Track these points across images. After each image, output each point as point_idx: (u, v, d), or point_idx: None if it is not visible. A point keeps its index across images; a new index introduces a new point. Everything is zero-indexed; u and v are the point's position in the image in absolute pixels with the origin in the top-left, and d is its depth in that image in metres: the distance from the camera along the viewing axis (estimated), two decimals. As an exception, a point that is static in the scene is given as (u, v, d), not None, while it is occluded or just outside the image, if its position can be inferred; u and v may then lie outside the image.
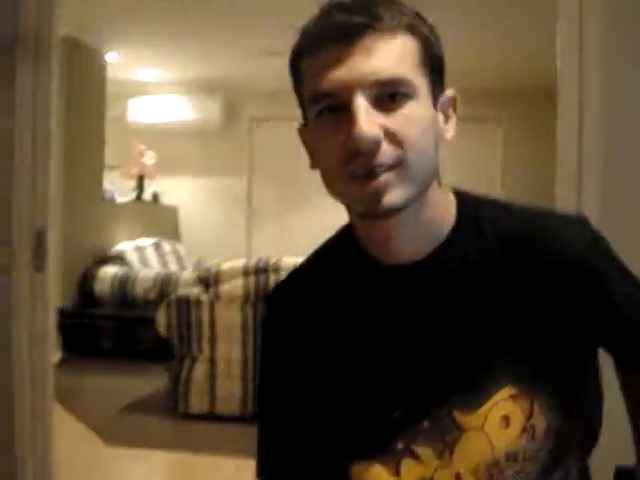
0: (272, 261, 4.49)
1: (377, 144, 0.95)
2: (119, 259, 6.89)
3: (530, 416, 1.05)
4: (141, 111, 8.34)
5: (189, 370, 4.48)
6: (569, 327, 1.06)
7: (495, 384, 1.04)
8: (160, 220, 8.48)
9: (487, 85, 6.95)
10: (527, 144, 7.81)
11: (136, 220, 7.87)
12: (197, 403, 4.49)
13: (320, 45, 0.98)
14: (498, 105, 7.71)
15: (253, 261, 4.56)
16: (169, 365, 4.67)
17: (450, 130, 1.08)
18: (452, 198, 1.11)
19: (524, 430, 1.04)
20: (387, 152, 0.96)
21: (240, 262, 4.58)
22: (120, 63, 7.25)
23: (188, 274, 6.60)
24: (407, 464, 1.07)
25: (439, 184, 1.09)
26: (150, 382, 5.49)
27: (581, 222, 1.12)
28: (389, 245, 1.06)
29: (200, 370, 4.47)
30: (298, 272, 1.24)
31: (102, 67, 6.96)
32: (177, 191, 8.61)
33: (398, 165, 0.96)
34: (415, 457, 1.07)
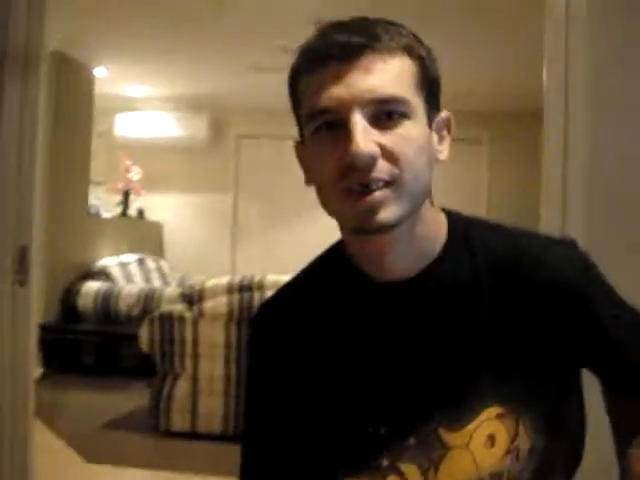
0: (256, 279, 4.48)
1: (373, 160, 0.96)
2: (103, 274, 6.86)
3: (515, 436, 1.05)
4: (128, 126, 8.33)
5: (171, 387, 4.45)
6: (556, 349, 1.07)
7: (481, 403, 1.05)
8: (145, 236, 8.45)
9: (473, 107, 6.99)
10: (513, 166, 7.85)
11: (121, 236, 7.84)
12: (179, 421, 4.46)
13: (319, 63, 0.99)
14: (484, 127, 7.75)
15: (237, 279, 4.55)
16: (151, 382, 4.64)
17: (444, 151, 1.09)
18: (443, 217, 1.13)
19: (508, 451, 1.05)
20: (383, 169, 0.97)
21: (224, 279, 4.57)
22: (108, 78, 7.25)
23: (172, 290, 6.58)
24: None
25: (431, 203, 1.10)
26: (132, 399, 5.46)
27: (571, 246, 1.13)
28: (382, 261, 1.06)
29: (182, 387, 4.45)
30: (287, 288, 1.23)
31: (90, 82, 6.96)
32: (162, 207, 8.60)
33: (393, 183, 0.97)
34: (400, 475, 1.07)
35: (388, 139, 0.97)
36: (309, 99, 1.01)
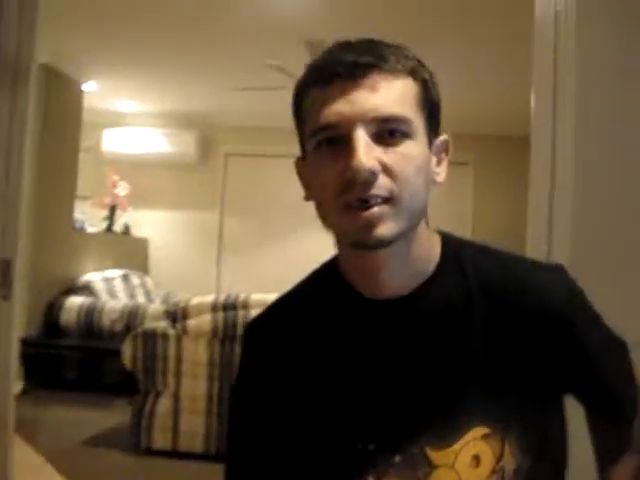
0: (241, 297, 4.47)
1: (374, 176, 0.97)
2: (86, 289, 6.82)
3: (500, 457, 1.06)
4: (116, 141, 8.31)
5: (153, 405, 4.42)
6: (543, 373, 1.08)
7: (467, 423, 1.05)
8: (130, 252, 8.42)
9: (461, 130, 7.03)
10: (498, 188, 7.90)
11: (106, 251, 7.81)
12: (160, 439, 4.43)
13: (326, 81, 1.01)
14: (471, 149, 7.79)
15: (222, 297, 4.54)
16: (133, 399, 4.61)
17: (441, 173, 1.12)
18: (437, 238, 1.15)
19: (494, 471, 1.05)
20: (382, 185, 0.98)
21: (209, 297, 4.56)
22: (97, 93, 7.25)
23: (156, 307, 6.56)
24: None
25: (427, 224, 1.11)
26: (113, 415, 5.42)
27: (559, 272, 1.15)
28: (376, 278, 1.07)
29: (164, 405, 4.42)
30: (279, 303, 1.24)
31: (79, 96, 6.95)
32: (148, 223, 8.58)
33: (392, 200, 0.99)
34: None
35: (389, 157, 0.99)
36: (313, 115, 1.03)
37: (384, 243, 1.00)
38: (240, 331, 4.29)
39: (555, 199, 2.19)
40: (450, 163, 1.13)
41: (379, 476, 1.07)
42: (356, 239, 1.01)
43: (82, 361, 6.59)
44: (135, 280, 7.80)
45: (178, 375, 4.41)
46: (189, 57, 6.04)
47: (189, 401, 4.40)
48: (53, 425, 5.22)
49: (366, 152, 0.97)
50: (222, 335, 4.36)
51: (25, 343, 5.99)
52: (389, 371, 1.09)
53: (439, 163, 1.11)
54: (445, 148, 1.13)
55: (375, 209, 0.98)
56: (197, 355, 4.39)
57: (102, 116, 8.03)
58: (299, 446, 1.13)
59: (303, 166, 1.12)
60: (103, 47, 5.92)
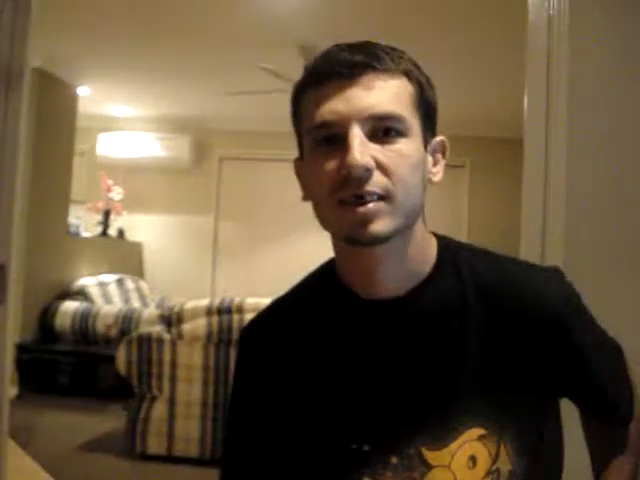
0: (236, 302, 4.46)
1: (368, 172, 0.98)
2: (81, 294, 6.80)
3: (496, 458, 1.06)
4: (110, 146, 8.31)
5: (148, 409, 4.41)
6: (538, 375, 1.08)
7: (464, 424, 1.05)
8: (125, 256, 8.41)
9: (456, 133, 7.04)
10: (493, 190, 7.91)
11: (100, 255, 7.79)
12: (155, 443, 4.42)
13: (322, 80, 1.03)
14: (466, 152, 7.81)
15: (217, 301, 4.53)
16: (128, 404, 4.60)
17: (438, 173, 1.13)
18: (434, 240, 1.15)
19: (489, 472, 1.05)
20: (377, 182, 0.99)
21: (204, 302, 4.55)
22: (91, 97, 7.24)
23: (151, 311, 6.55)
24: None
25: (424, 225, 1.12)
26: (108, 420, 5.41)
27: (556, 275, 1.15)
28: (373, 278, 1.08)
29: (159, 410, 4.41)
30: (276, 305, 1.25)
31: (73, 101, 6.94)
32: (143, 227, 8.57)
33: (387, 197, 1.00)
34: None
35: (384, 154, 1.00)
36: (310, 113, 1.04)
37: (379, 239, 1.01)
38: (235, 335, 4.29)
39: (548, 201, 2.20)
40: (446, 166, 1.14)
41: (375, 477, 1.07)
42: (351, 234, 1.02)
43: (77, 366, 6.56)
44: (130, 284, 7.79)
45: (173, 380, 4.40)
46: (183, 61, 6.04)
47: (184, 406, 4.39)
48: (48, 430, 5.20)
49: (361, 149, 0.98)
50: (217, 339, 4.36)
51: (20, 348, 5.99)
52: (384, 372, 1.09)
53: (435, 163, 1.12)
54: (442, 149, 1.14)
55: (370, 205, 0.99)
56: (192, 360, 4.39)
57: (95, 120, 8.02)
58: (295, 446, 1.14)
59: (301, 166, 1.12)
60: (97, 51, 5.91)
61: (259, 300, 4.25)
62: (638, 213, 2.18)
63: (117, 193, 7.90)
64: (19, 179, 2.50)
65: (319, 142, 1.04)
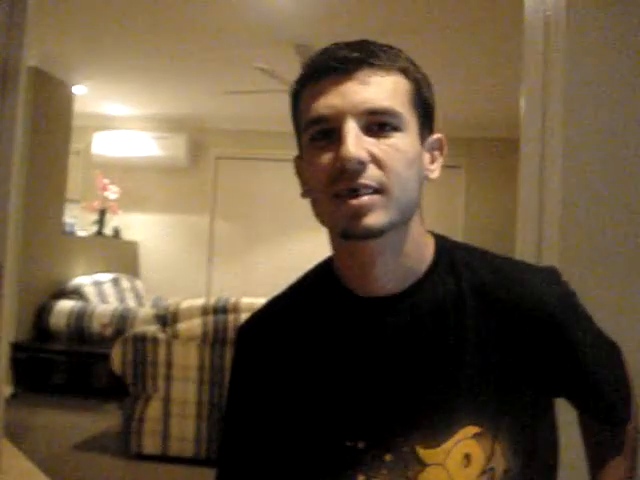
0: (231, 301, 4.45)
1: (363, 165, 0.99)
2: (76, 293, 6.78)
3: (491, 456, 1.06)
4: (106, 145, 8.29)
5: (143, 409, 4.40)
6: (534, 373, 1.08)
7: (458, 422, 1.06)
8: (120, 255, 8.40)
9: (452, 134, 7.05)
10: (489, 191, 7.92)
11: (96, 254, 7.78)
12: (150, 443, 4.41)
13: (319, 76, 1.04)
14: (462, 153, 7.81)
15: (212, 300, 4.52)
16: (123, 403, 4.59)
17: (435, 171, 1.13)
18: (431, 238, 1.15)
19: (484, 471, 1.06)
20: (371, 176, 1.00)
21: (199, 301, 4.54)
22: (87, 96, 7.23)
23: (146, 311, 6.54)
24: None
25: (422, 223, 1.12)
26: (103, 420, 5.40)
27: (552, 274, 1.16)
28: (369, 274, 1.08)
29: (154, 409, 4.40)
30: (273, 302, 1.25)
31: (69, 100, 6.92)
32: (139, 227, 8.56)
33: (381, 191, 1.00)
34: None
35: (379, 148, 1.01)
36: (307, 108, 1.05)
37: (373, 232, 1.01)
38: (231, 335, 4.29)
39: (544, 201, 2.20)
40: (442, 166, 1.14)
41: (369, 474, 1.07)
42: (345, 228, 1.02)
43: (72, 365, 6.56)
44: (125, 284, 7.78)
45: (168, 379, 4.39)
46: (179, 60, 6.04)
47: (179, 405, 4.38)
48: (43, 429, 5.20)
49: (355, 142, 0.98)
50: (212, 339, 4.35)
51: (15, 347, 5.98)
52: (380, 369, 1.09)
53: (433, 161, 1.13)
54: (439, 146, 1.14)
55: (365, 198, 0.99)
56: (187, 359, 4.38)
57: (91, 119, 8.01)
58: (290, 443, 1.14)
59: (300, 164, 1.13)
60: (93, 50, 5.91)
61: (255, 300, 4.25)
62: (634, 214, 2.18)
63: (113, 192, 7.88)
64: (14, 178, 2.50)
65: (315, 137, 1.04)
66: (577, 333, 1.11)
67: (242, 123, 8.15)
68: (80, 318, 6.47)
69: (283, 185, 7.45)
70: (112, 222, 8.10)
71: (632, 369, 1.22)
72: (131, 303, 7.56)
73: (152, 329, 4.52)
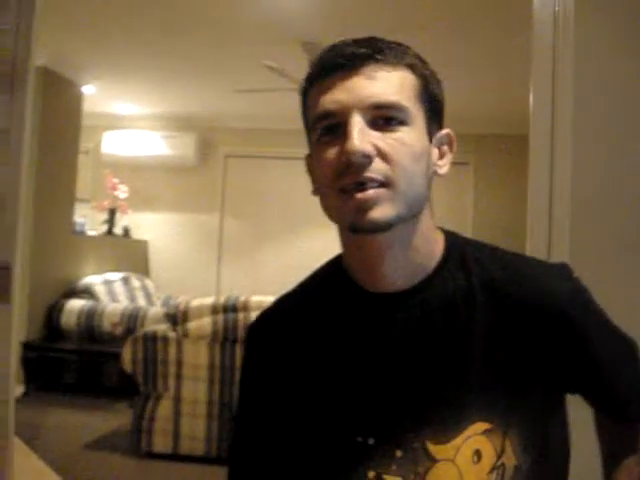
0: (241, 299, 4.46)
1: (368, 159, 0.99)
2: (87, 292, 6.80)
3: (501, 453, 1.06)
4: (115, 144, 8.31)
5: (153, 408, 4.41)
6: (545, 370, 1.08)
7: (468, 418, 1.05)
8: (130, 254, 8.42)
9: (461, 130, 7.03)
10: (498, 187, 7.90)
11: (106, 254, 7.80)
12: (160, 442, 4.42)
13: (326, 72, 1.04)
14: (471, 149, 7.79)
15: (222, 299, 4.53)
16: (134, 402, 4.60)
17: (444, 166, 1.13)
18: (441, 235, 1.16)
19: (494, 467, 1.05)
20: (377, 169, 1.00)
21: (209, 300, 4.54)
22: (96, 96, 7.25)
23: (156, 310, 6.55)
24: None
25: (432, 219, 1.13)
26: (114, 419, 5.42)
27: (564, 271, 1.15)
28: (378, 270, 1.08)
29: (165, 408, 4.41)
30: (284, 299, 1.25)
31: (78, 99, 6.94)
32: (148, 226, 8.58)
33: (388, 184, 1.00)
34: None
35: (385, 142, 1.01)
36: (315, 105, 1.06)
37: (379, 226, 1.01)
38: (241, 333, 4.29)
39: (554, 197, 2.19)
40: (451, 163, 1.13)
41: (379, 471, 1.07)
42: (352, 221, 1.02)
43: (83, 364, 6.58)
44: (135, 283, 7.79)
45: (179, 378, 4.40)
46: (188, 59, 6.04)
47: (190, 404, 4.39)
48: (54, 429, 5.22)
49: (360, 136, 0.99)
50: (222, 337, 4.36)
51: (26, 347, 6.00)
52: (391, 365, 1.09)
53: (442, 156, 1.13)
54: (449, 142, 1.14)
55: (370, 191, 1.00)
56: (197, 358, 4.39)
57: (101, 119, 8.03)
58: (301, 439, 1.14)
59: (311, 162, 1.13)
60: (102, 50, 5.92)
61: (264, 298, 4.25)
62: (644, 209, 2.17)
63: (122, 191, 7.90)
64: (24, 179, 2.51)
65: (322, 132, 1.05)
66: (589, 329, 1.10)
67: (251, 121, 8.15)
68: (90, 317, 6.49)
69: (292, 183, 7.45)
70: (122, 221, 8.12)
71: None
72: (141, 302, 7.58)
73: (162, 328, 4.53)
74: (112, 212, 7.90)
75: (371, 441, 1.07)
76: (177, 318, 4.47)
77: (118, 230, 8.11)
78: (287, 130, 6.73)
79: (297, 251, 8.08)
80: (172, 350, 4.40)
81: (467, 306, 1.09)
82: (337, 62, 1.03)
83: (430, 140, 1.08)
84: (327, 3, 4.72)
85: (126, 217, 8.10)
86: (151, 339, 4.44)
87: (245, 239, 8.55)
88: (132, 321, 6.40)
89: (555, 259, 2.10)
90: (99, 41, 5.67)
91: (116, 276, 7.50)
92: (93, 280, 7.02)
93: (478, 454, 1.05)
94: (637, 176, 2.18)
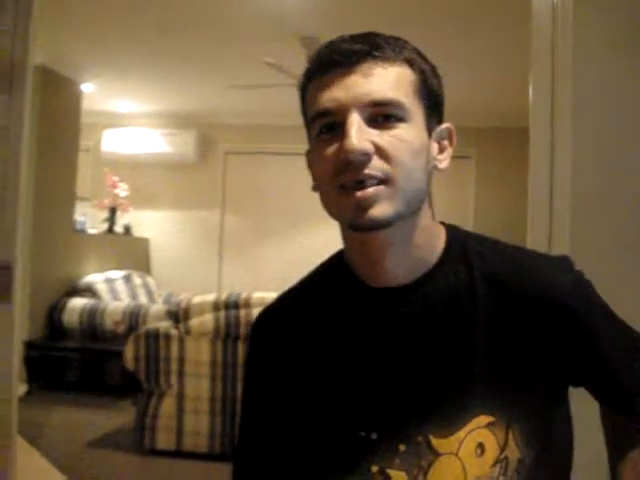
0: (243, 296, 4.46)
1: (366, 157, 0.99)
2: (89, 291, 6.80)
3: (504, 446, 1.06)
4: (115, 142, 8.31)
5: (156, 405, 4.42)
6: (547, 363, 1.08)
7: (471, 411, 1.06)
8: (131, 252, 8.42)
9: (462, 124, 7.03)
10: (499, 181, 7.89)
11: (107, 252, 7.80)
12: (164, 439, 4.43)
13: (323, 69, 1.04)
14: (472, 143, 7.78)
15: (224, 296, 4.53)
16: (137, 400, 4.60)
17: (444, 161, 1.13)
18: (442, 229, 1.16)
19: (497, 461, 1.05)
20: (376, 167, 1.00)
21: (211, 297, 4.55)
22: (96, 94, 7.24)
23: (158, 307, 6.55)
24: None
25: (432, 213, 1.13)
26: (117, 417, 5.42)
27: (565, 264, 1.15)
28: (380, 265, 1.09)
29: (168, 405, 4.41)
30: (287, 295, 1.26)
31: (77, 97, 6.93)
32: (149, 223, 8.58)
33: (387, 181, 1.00)
34: None
35: (383, 139, 1.01)
36: (313, 102, 1.06)
37: (379, 224, 1.02)
38: (242, 330, 4.29)
39: (555, 191, 2.19)
40: (452, 157, 1.13)
41: (382, 465, 1.07)
42: (352, 220, 1.03)
43: (85, 363, 6.58)
44: (137, 280, 7.80)
45: (181, 375, 4.41)
46: (186, 57, 6.04)
47: (192, 401, 4.40)
48: (57, 427, 5.22)
49: (358, 134, 0.99)
50: (224, 334, 4.36)
51: (28, 346, 6.01)
52: (393, 359, 1.09)
53: (442, 151, 1.13)
54: (448, 136, 1.14)
55: (370, 189, 1.00)
56: (200, 355, 4.39)
57: (101, 117, 8.03)
58: (305, 434, 1.15)
59: (312, 157, 1.13)
60: (101, 48, 5.92)
61: (266, 294, 4.26)
62: (645, 202, 2.17)
63: (123, 189, 7.90)
64: (23, 178, 2.50)
65: (321, 130, 1.05)
66: (591, 321, 1.10)
67: (250, 118, 8.15)
68: (92, 315, 6.50)
69: (293, 179, 7.45)
70: (123, 219, 8.12)
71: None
72: (143, 300, 7.58)
73: (164, 325, 4.53)
74: (113, 210, 7.90)
75: (374, 436, 1.08)
76: (179, 315, 4.47)
77: (119, 228, 8.11)
78: (287, 126, 6.72)
79: (299, 247, 8.08)
80: (174, 347, 4.41)
81: (469, 299, 1.09)
82: (335, 59, 1.03)
83: (429, 135, 1.08)
84: (325, -2, 4.72)
85: (127, 215, 8.09)
86: (153, 337, 4.45)
87: (246, 235, 8.55)
88: (134, 319, 6.40)
89: (556, 253, 2.09)
90: (98, 39, 5.66)
91: (117, 274, 7.50)
92: (94, 278, 7.02)
93: (481, 447, 1.05)
94: (638, 170, 2.17)
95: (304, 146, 1.14)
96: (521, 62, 2.60)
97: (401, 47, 1.07)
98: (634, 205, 2.17)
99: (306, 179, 1.14)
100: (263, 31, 5.25)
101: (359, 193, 1.00)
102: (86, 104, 7.07)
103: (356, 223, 1.02)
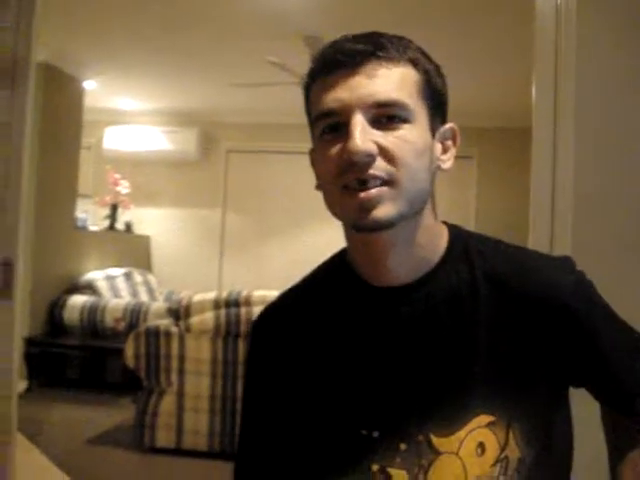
0: (243, 294, 4.46)
1: (370, 157, 0.99)
2: (89, 288, 6.81)
3: (505, 446, 1.06)
4: (117, 139, 8.31)
5: (156, 403, 4.42)
6: (548, 363, 1.08)
7: (472, 410, 1.06)
8: (132, 250, 8.42)
9: (464, 124, 7.01)
10: (501, 181, 7.88)
11: (108, 249, 7.80)
12: (164, 437, 4.43)
13: (327, 69, 1.04)
14: (474, 144, 7.78)
15: (224, 294, 4.53)
16: (137, 397, 4.60)
17: (447, 161, 1.13)
18: (444, 229, 1.16)
19: (498, 460, 1.05)
20: (380, 167, 1.00)
21: (211, 294, 4.55)
22: (98, 91, 7.24)
23: (158, 305, 6.56)
24: None
25: (435, 213, 1.13)
26: (117, 414, 5.42)
27: (567, 264, 1.15)
28: (382, 265, 1.09)
29: (168, 403, 4.41)
30: (288, 293, 1.26)
31: (79, 95, 6.94)
32: (150, 221, 8.58)
33: (390, 182, 1.01)
34: (389, 479, 1.07)
35: (387, 140, 1.01)
36: (316, 103, 1.06)
37: (382, 225, 1.02)
38: (243, 328, 4.29)
39: (557, 191, 2.19)
40: (454, 157, 1.13)
41: (383, 465, 1.07)
42: (355, 220, 1.03)
43: (86, 360, 6.57)
44: (138, 278, 7.80)
45: (181, 373, 4.41)
46: (189, 54, 6.03)
47: (193, 399, 4.40)
48: (57, 424, 5.22)
49: (362, 136, 0.99)
50: (225, 332, 4.36)
51: (29, 342, 6.01)
52: (395, 358, 1.10)
53: (445, 151, 1.13)
54: (452, 136, 1.14)
55: (373, 190, 1.00)
56: (200, 353, 4.39)
57: (103, 114, 8.03)
58: (306, 432, 1.15)
59: (315, 156, 1.13)
60: (103, 45, 5.91)
61: (267, 293, 4.26)
62: (647, 203, 2.17)
63: (124, 187, 7.90)
64: (25, 175, 2.50)
65: (325, 130, 1.05)
66: (593, 322, 1.10)
67: (253, 116, 8.15)
68: (93, 313, 6.50)
69: (295, 177, 7.44)
70: (124, 217, 8.12)
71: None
72: (144, 297, 7.58)
73: (165, 323, 4.53)
74: (114, 207, 7.90)
75: (375, 434, 1.08)
76: (179, 313, 4.47)
77: (120, 225, 8.11)
78: (289, 124, 6.72)
79: (302, 245, 8.07)
80: (175, 345, 4.41)
81: (471, 299, 1.09)
82: (339, 59, 1.03)
83: (433, 135, 1.08)
84: (328, -3, 4.72)
85: (128, 212, 8.09)
86: (154, 334, 4.45)
87: (247, 234, 8.55)
88: (135, 316, 6.41)
89: (558, 253, 2.09)
90: (100, 37, 5.66)
91: (118, 271, 7.50)
92: (95, 276, 7.03)
93: (482, 447, 1.05)
94: (640, 169, 2.17)
95: (307, 144, 1.14)
96: (523, 62, 2.60)
97: (405, 47, 1.06)
98: (636, 205, 2.17)
99: (309, 178, 1.14)
100: (266, 29, 5.25)
101: (362, 194, 1.00)
102: (88, 101, 7.07)
103: (359, 224, 1.03)
